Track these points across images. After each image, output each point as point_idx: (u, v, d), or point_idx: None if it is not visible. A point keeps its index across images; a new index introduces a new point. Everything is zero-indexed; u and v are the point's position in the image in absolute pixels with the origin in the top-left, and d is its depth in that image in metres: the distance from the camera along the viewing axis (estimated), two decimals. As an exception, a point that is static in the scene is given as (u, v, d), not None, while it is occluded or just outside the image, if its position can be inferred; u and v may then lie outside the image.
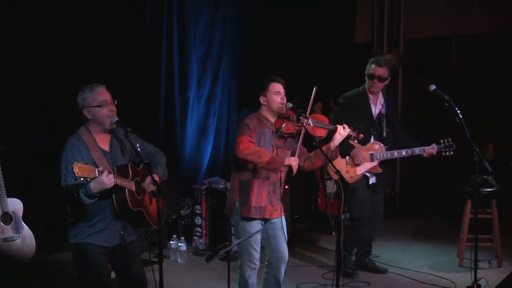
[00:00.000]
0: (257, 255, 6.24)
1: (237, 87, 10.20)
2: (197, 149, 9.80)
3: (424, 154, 7.27)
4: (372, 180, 7.80)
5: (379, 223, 8.11)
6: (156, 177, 5.58)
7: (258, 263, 6.27)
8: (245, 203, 6.18)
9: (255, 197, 6.16)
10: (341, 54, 10.92)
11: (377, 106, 7.68)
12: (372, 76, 7.68)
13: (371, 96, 7.75)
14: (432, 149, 7.33)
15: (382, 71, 7.66)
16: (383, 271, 8.05)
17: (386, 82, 7.74)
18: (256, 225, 6.21)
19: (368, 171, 7.71)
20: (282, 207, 6.35)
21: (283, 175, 6.25)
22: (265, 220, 6.27)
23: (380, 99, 7.78)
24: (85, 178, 5.00)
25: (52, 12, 8.23)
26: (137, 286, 5.73)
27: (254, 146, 6.03)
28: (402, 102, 11.60)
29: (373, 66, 7.69)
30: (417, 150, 7.50)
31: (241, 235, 6.19)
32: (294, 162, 6.06)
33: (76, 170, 4.92)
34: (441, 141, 7.28)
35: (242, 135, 6.08)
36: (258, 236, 6.25)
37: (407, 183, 11.63)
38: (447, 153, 7.29)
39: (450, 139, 7.25)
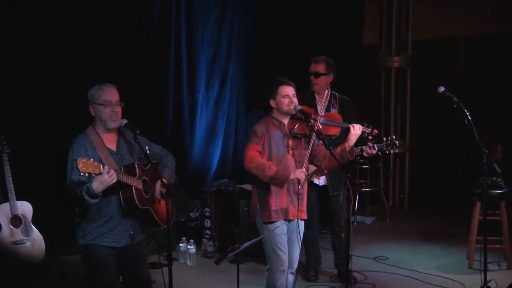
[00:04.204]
0: (285, 257, 6.21)
1: (246, 89, 10.19)
2: (206, 151, 9.80)
3: (364, 154, 7.05)
4: (316, 181, 7.67)
5: (339, 229, 7.79)
6: (164, 180, 5.60)
7: (286, 265, 6.25)
8: (264, 208, 6.18)
9: (274, 201, 6.15)
10: (349, 55, 10.91)
11: (323, 106, 7.55)
12: (309, 74, 7.63)
13: (316, 96, 7.65)
14: (371, 149, 7.03)
15: (318, 67, 7.59)
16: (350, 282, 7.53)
17: (327, 78, 7.57)
18: (280, 225, 6.19)
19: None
20: (304, 209, 6.32)
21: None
22: (289, 221, 6.26)
23: (330, 100, 7.61)
24: (89, 174, 5.02)
25: (61, 15, 8.27)
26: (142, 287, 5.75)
27: (261, 158, 6.04)
28: (411, 104, 11.59)
29: (311, 64, 7.65)
30: (356, 150, 6.77)
31: (267, 238, 6.18)
32: (300, 175, 6.07)
33: (80, 165, 4.94)
34: (384, 139, 7.08)
35: (249, 143, 6.11)
36: (285, 237, 6.24)
37: (415, 184, 11.61)
38: (390, 151, 7.03)
39: (394, 137, 7.02)
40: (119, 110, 5.47)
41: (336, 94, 7.68)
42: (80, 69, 8.28)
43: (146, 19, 9.08)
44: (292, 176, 6.06)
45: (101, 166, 5.09)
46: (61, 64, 8.33)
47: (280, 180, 6.04)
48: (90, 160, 5.07)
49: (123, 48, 8.74)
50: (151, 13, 9.11)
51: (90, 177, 5.17)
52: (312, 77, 7.61)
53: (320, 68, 7.59)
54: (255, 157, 6.02)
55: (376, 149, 6.83)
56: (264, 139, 6.10)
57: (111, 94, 5.45)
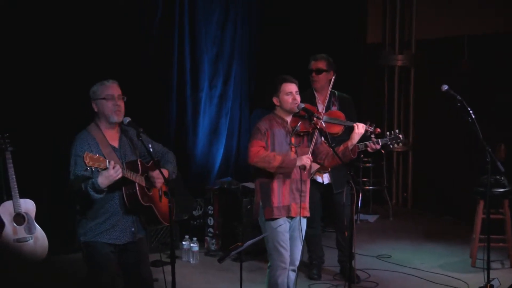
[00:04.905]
0: (286, 254, 6.22)
1: (249, 87, 10.20)
2: (209, 149, 9.81)
3: (369, 149, 7.00)
4: (319, 179, 7.68)
5: (343, 226, 7.76)
6: (166, 172, 5.61)
7: (288, 263, 6.25)
8: (267, 205, 6.18)
9: (276, 198, 6.15)
10: (353, 54, 10.91)
11: (324, 105, 7.43)
12: (310, 71, 7.62)
13: (316, 95, 7.65)
14: (375, 144, 6.97)
15: (319, 64, 7.59)
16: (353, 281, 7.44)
17: (328, 75, 7.53)
18: (283, 223, 6.19)
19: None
20: (306, 206, 6.32)
21: (304, 172, 6.23)
22: (291, 218, 6.26)
23: (330, 98, 7.57)
24: (95, 168, 5.05)
25: (63, 16, 8.28)
26: (144, 286, 5.75)
27: (264, 151, 6.03)
28: (414, 102, 11.59)
29: (311, 61, 7.64)
30: (360, 146, 6.71)
31: (269, 235, 6.19)
32: (306, 160, 6.05)
33: (87, 160, 4.96)
34: (387, 133, 7.04)
35: (253, 140, 6.10)
36: (287, 235, 6.24)
37: (419, 183, 11.61)
38: (395, 146, 6.98)
39: (397, 131, 6.99)
40: (121, 103, 5.50)
41: (336, 92, 7.67)
42: (83, 69, 8.27)
43: (149, 19, 9.09)
44: (298, 163, 6.04)
45: (107, 161, 5.11)
46: (66, 63, 8.33)
47: (288, 167, 6.03)
48: (96, 155, 5.09)
49: (126, 48, 8.75)
50: (155, 13, 9.12)
51: (95, 172, 5.21)
52: (313, 75, 7.60)
53: (321, 65, 7.58)
54: (258, 151, 6.02)
55: (380, 143, 6.79)
56: (268, 136, 6.11)
57: (112, 88, 5.49)
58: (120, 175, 5.18)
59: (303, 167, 6.10)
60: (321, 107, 7.38)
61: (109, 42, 8.58)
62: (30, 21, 8.10)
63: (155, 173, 5.55)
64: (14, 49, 8.03)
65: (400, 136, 6.77)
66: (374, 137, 6.73)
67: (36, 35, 8.14)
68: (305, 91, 7.41)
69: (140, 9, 8.98)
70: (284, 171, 6.08)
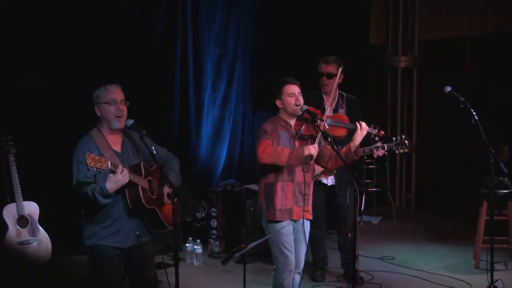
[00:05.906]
0: (291, 256, 6.21)
1: (252, 89, 10.19)
2: (212, 151, 9.81)
3: (374, 155, 7.02)
4: (324, 181, 7.66)
5: (346, 228, 7.78)
6: (172, 185, 5.58)
7: (294, 265, 6.25)
8: (269, 207, 6.18)
9: (279, 200, 6.15)
10: (356, 55, 10.90)
11: (332, 107, 7.44)
12: (321, 74, 7.58)
13: (324, 97, 7.62)
14: (381, 149, 6.99)
15: (330, 68, 7.52)
16: (357, 282, 7.64)
17: (338, 79, 7.46)
18: (286, 225, 6.19)
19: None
20: (309, 209, 6.31)
21: (307, 175, 6.23)
22: (294, 221, 6.25)
23: (338, 100, 7.60)
24: (97, 169, 5.06)
25: (66, 16, 8.27)
26: None
27: (271, 147, 6.02)
28: (417, 104, 11.58)
29: (321, 64, 7.59)
30: (366, 150, 6.91)
31: (273, 238, 6.17)
32: (313, 149, 6.04)
33: (88, 160, 4.97)
34: (393, 138, 7.03)
35: (260, 140, 6.08)
36: (291, 237, 6.23)
37: (422, 184, 11.60)
38: (400, 151, 6.98)
39: (403, 136, 6.99)
40: (124, 108, 5.49)
41: (344, 93, 7.67)
42: (88, 71, 8.26)
43: (150, 19, 9.08)
44: (306, 152, 6.01)
45: (109, 162, 5.11)
46: (69, 65, 8.32)
47: (298, 157, 6.01)
48: (98, 156, 5.09)
49: (128, 49, 8.74)
50: (158, 14, 9.12)
51: (97, 175, 5.24)
52: (324, 78, 7.56)
53: (333, 69, 7.52)
54: (266, 149, 6.01)
55: (385, 149, 6.81)
56: (273, 137, 6.10)
57: (115, 93, 5.48)
58: (127, 179, 5.19)
59: (310, 157, 6.09)
60: (329, 110, 7.37)
61: (109, 42, 8.56)
62: (30, 21, 8.08)
63: (165, 191, 5.59)
64: (14, 49, 8.02)
65: (406, 142, 6.80)
66: (379, 140, 6.73)
67: (36, 35, 8.12)
68: (312, 93, 7.41)
69: (140, 9, 8.97)
70: (295, 162, 6.05)
